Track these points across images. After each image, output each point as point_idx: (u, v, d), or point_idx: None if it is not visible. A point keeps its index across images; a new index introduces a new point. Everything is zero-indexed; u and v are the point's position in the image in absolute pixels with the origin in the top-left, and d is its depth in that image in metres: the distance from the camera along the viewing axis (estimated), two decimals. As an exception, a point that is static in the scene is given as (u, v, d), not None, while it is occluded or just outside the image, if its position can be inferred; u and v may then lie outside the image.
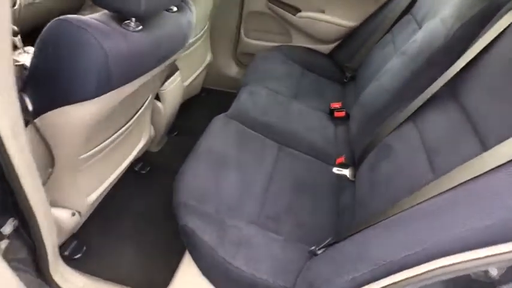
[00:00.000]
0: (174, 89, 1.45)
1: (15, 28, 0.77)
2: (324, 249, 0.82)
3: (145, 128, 1.36)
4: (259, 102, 1.37)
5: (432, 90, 0.89)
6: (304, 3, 1.83)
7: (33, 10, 1.25)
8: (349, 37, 1.83)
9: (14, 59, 0.62)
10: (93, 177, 1.09)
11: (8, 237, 0.77)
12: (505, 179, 0.51)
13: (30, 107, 0.74)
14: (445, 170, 0.64)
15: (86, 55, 0.69)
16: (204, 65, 1.85)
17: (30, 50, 0.79)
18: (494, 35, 0.76)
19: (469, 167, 0.58)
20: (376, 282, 0.61)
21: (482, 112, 0.73)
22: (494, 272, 0.54)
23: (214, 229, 0.87)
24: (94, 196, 1.10)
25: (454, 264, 0.51)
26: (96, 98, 0.73)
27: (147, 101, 1.22)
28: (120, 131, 1.06)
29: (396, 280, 0.58)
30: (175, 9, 0.97)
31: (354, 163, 1.20)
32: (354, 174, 1.16)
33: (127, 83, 0.80)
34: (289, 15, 1.85)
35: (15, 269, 0.74)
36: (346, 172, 1.18)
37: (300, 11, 1.84)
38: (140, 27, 0.79)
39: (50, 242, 0.84)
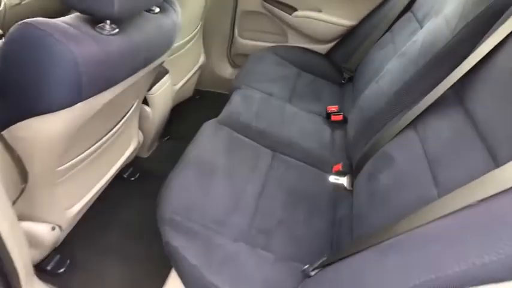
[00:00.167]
0: (164, 93, 1.39)
1: (0, 31, 0.71)
2: (317, 270, 0.76)
3: (133, 134, 1.30)
4: (252, 106, 1.31)
5: (435, 94, 0.82)
6: (301, 2, 1.76)
7: (20, 11, 1.18)
8: (347, 36, 1.76)
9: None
10: (74, 189, 1.02)
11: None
12: None
13: (-6, 119, 0.68)
14: (450, 185, 0.58)
15: (52, 62, 0.62)
16: (196, 67, 1.79)
17: None
18: (504, 35, 0.69)
19: (478, 186, 0.51)
20: None
21: (491, 119, 0.66)
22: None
23: (200, 247, 0.81)
24: (76, 208, 1.04)
25: None
26: (65, 109, 0.67)
27: (134, 107, 1.15)
28: (103, 139, 1.00)
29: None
30: (157, 10, 0.90)
31: (351, 170, 1.13)
32: (352, 183, 1.09)
33: (101, 91, 0.73)
34: (285, 14, 1.78)
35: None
36: (344, 181, 1.11)
37: (296, 10, 1.77)
38: (116, 30, 0.73)
39: (20, 258, 0.78)
